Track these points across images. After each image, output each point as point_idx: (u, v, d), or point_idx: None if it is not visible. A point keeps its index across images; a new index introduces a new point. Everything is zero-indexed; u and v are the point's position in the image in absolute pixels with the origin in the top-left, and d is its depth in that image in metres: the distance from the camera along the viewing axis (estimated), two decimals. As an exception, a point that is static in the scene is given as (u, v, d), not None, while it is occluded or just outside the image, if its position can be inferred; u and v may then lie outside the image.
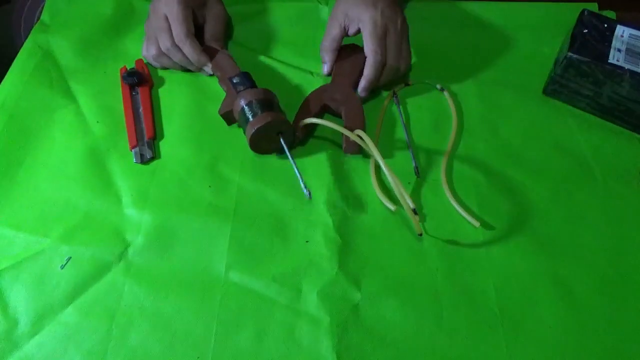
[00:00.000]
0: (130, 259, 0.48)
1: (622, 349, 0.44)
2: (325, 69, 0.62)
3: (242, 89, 0.55)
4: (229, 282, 0.47)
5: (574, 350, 0.44)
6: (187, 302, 0.46)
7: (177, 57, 0.60)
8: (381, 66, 0.57)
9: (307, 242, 0.50)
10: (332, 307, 0.46)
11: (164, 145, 0.57)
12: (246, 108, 0.53)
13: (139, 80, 0.60)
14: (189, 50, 0.59)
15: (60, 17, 0.69)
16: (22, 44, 0.67)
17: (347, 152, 0.55)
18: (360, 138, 0.52)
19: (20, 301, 0.46)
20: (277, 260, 0.48)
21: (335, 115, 0.59)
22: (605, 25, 0.60)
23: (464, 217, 0.51)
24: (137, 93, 0.60)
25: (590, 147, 0.57)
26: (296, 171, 0.51)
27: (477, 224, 0.50)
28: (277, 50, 0.66)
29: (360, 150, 0.55)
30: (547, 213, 0.52)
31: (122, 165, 0.55)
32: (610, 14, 0.67)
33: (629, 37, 0.59)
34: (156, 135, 0.57)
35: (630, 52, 0.57)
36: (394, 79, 0.61)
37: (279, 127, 0.52)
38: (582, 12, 0.62)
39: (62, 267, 0.47)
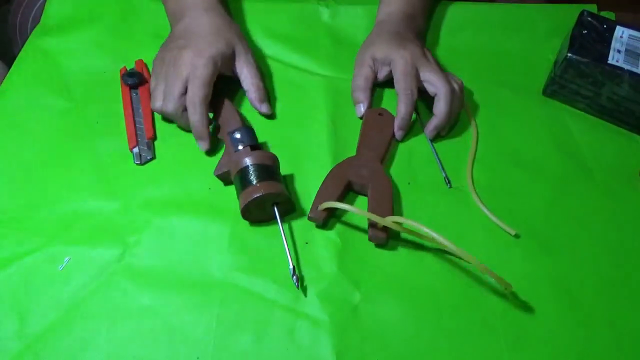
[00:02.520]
0: (130, 260, 0.48)
1: (621, 349, 0.44)
2: (362, 109, 0.58)
3: (241, 147, 0.51)
4: (229, 282, 0.47)
5: (573, 350, 0.44)
6: (187, 303, 0.46)
7: (168, 108, 0.54)
8: (413, 104, 0.55)
9: (306, 243, 0.50)
10: (331, 308, 0.46)
11: (163, 146, 0.57)
12: (242, 172, 0.48)
13: (138, 80, 0.60)
14: (197, 118, 0.53)
15: (60, 18, 0.69)
16: (18, 44, 0.67)
17: (372, 240, 0.49)
18: (399, 224, 0.45)
19: (19, 302, 0.45)
20: (277, 261, 0.48)
21: (359, 193, 0.53)
22: (605, 26, 0.60)
23: (499, 226, 0.50)
24: (137, 93, 0.60)
25: (590, 147, 0.58)
26: (287, 251, 0.46)
27: (512, 232, 0.50)
28: (277, 50, 0.66)
29: (387, 240, 0.49)
30: (547, 213, 0.52)
31: (122, 166, 0.55)
32: (610, 15, 0.67)
33: (629, 38, 0.59)
34: (156, 135, 0.57)
35: (630, 52, 0.57)
36: (460, 107, 0.58)
37: (274, 199, 0.48)
38: (582, 13, 0.62)
39: (62, 267, 0.47)
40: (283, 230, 0.48)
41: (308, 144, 0.57)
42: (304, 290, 0.47)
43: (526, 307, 0.46)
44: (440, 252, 0.49)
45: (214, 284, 0.47)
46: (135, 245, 0.49)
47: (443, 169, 0.55)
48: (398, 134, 0.56)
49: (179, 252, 0.49)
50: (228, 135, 0.52)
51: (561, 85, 0.60)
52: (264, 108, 0.58)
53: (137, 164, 0.55)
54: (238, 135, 0.52)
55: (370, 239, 0.49)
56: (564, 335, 0.45)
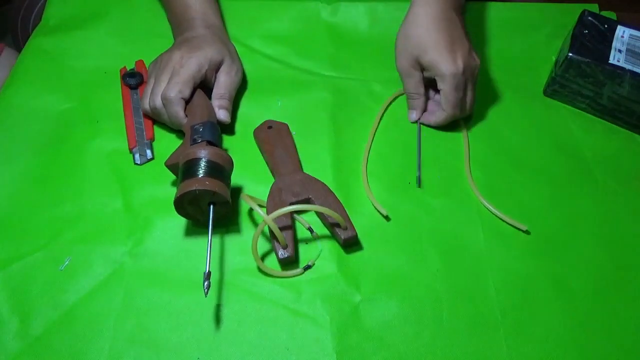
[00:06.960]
0: (131, 260, 0.48)
1: (620, 348, 0.44)
2: (414, 116, 0.59)
3: (199, 140, 0.49)
4: (230, 282, 0.47)
5: (573, 349, 0.44)
6: (187, 303, 0.46)
7: (155, 103, 0.54)
8: (456, 115, 0.57)
9: (306, 243, 0.50)
10: (332, 308, 0.46)
11: (163, 146, 0.56)
12: (190, 164, 0.46)
13: (139, 81, 0.60)
14: (173, 113, 0.53)
15: (60, 18, 0.69)
16: (19, 44, 0.66)
17: (346, 245, 0.49)
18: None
19: (20, 302, 0.45)
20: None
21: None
22: (606, 26, 0.60)
23: (510, 224, 0.50)
24: (137, 94, 0.60)
25: (590, 147, 0.58)
26: (207, 255, 0.43)
27: (524, 227, 0.50)
28: (277, 50, 0.66)
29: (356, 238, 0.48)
30: (547, 212, 0.52)
31: (122, 166, 0.55)
32: (611, 15, 0.67)
33: (629, 37, 0.59)
34: (155, 136, 0.57)
35: (631, 52, 0.57)
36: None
37: (210, 198, 0.45)
38: (583, 12, 0.62)
39: (62, 268, 0.47)
40: (212, 234, 0.45)
41: (309, 144, 0.57)
42: (304, 290, 0.47)
43: (526, 306, 0.46)
44: (440, 251, 0.49)
45: (215, 285, 0.47)
46: (135, 246, 0.49)
47: (419, 168, 0.54)
48: (430, 120, 0.58)
49: (179, 252, 0.49)
50: (191, 127, 0.51)
51: (562, 85, 0.60)
52: (222, 115, 0.56)
53: (137, 164, 0.55)
54: (200, 129, 0.50)
55: (344, 245, 0.48)
56: (563, 333, 0.45)
